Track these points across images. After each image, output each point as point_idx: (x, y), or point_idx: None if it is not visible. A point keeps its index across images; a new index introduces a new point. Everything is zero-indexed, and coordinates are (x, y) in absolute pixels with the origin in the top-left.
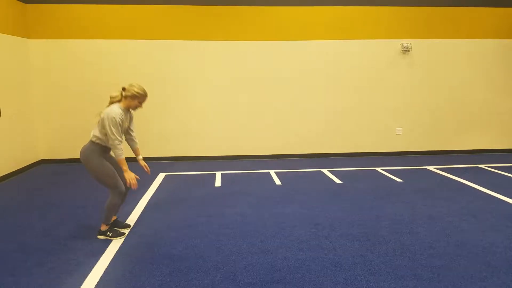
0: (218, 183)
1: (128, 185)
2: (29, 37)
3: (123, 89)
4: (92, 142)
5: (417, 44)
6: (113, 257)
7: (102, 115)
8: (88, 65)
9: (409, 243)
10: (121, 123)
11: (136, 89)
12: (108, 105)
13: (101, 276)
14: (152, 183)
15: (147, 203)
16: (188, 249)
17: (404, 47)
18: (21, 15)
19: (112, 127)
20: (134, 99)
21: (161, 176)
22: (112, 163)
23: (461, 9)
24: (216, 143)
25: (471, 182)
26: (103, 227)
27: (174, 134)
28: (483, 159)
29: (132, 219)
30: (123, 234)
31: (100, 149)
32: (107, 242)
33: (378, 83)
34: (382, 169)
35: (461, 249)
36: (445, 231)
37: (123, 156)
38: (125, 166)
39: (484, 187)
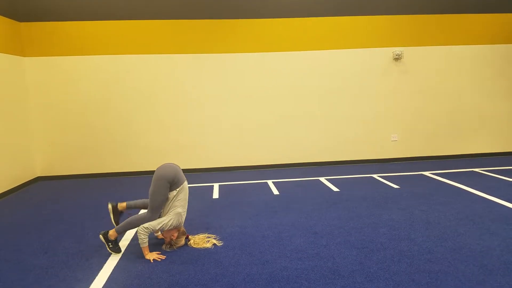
0: (216, 194)
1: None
2: (24, 55)
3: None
4: None
5: (409, 52)
6: (111, 273)
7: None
8: (83, 82)
9: (406, 249)
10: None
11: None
12: None
13: None
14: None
15: None
16: (187, 263)
17: (396, 55)
18: (15, 33)
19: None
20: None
21: None
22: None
23: (451, 16)
24: (212, 154)
25: (467, 186)
26: (112, 235)
27: (169, 147)
28: (478, 163)
29: (129, 234)
30: (120, 251)
31: None
32: (105, 258)
33: (372, 91)
34: (378, 176)
35: (458, 253)
36: (442, 235)
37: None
38: (145, 251)
39: (480, 191)
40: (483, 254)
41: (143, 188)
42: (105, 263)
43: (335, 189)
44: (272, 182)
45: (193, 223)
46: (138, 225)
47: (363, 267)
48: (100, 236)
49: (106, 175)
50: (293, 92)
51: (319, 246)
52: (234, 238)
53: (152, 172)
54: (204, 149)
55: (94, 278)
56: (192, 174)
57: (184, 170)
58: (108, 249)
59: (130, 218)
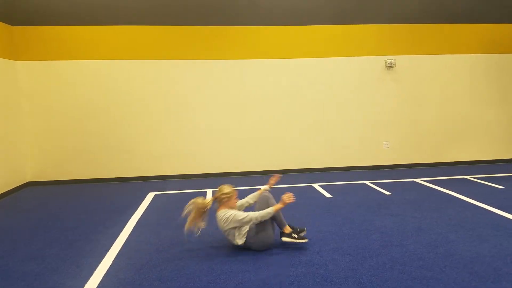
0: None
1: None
2: (16, 59)
3: (216, 198)
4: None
5: (401, 60)
6: (101, 280)
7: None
8: (77, 86)
9: (398, 256)
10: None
11: (225, 190)
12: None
13: None
14: (141, 203)
15: (136, 223)
16: (178, 270)
17: (388, 63)
18: (8, 37)
19: (239, 218)
20: (230, 199)
21: (150, 196)
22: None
23: (442, 26)
24: (206, 161)
25: (458, 193)
26: (287, 229)
27: (163, 152)
28: (469, 171)
29: (120, 241)
30: (306, 239)
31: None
32: (96, 265)
33: (364, 98)
34: (371, 183)
35: (449, 260)
36: (434, 242)
37: (270, 213)
38: (277, 207)
39: (471, 198)
40: (474, 261)
41: (136, 193)
42: (95, 269)
43: (328, 195)
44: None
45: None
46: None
47: (355, 273)
48: (283, 239)
49: (99, 181)
50: (286, 99)
51: (312, 252)
52: (227, 245)
53: (142, 178)
54: (197, 156)
55: (84, 285)
56: (185, 180)
57: (177, 176)
58: (299, 241)
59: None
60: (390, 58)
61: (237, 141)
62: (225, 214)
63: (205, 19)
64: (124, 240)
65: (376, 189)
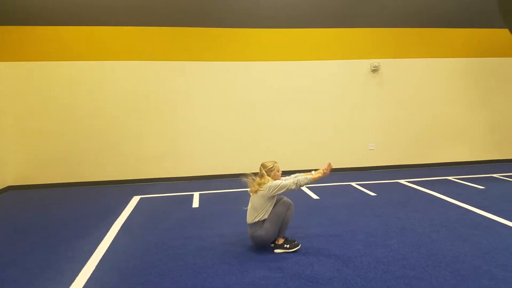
0: (196, 203)
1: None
2: None
3: (260, 175)
4: (256, 223)
5: (386, 64)
6: (84, 285)
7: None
8: (59, 88)
9: (382, 256)
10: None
11: (268, 166)
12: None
13: None
14: (125, 206)
15: (120, 227)
16: (164, 274)
17: (374, 67)
18: None
19: (278, 188)
20: (274, 173)
21: (135, 199)
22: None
23: (426, 30)
24: (192, 163)
25: (441, 194)
26: (280, 241)
27: (149, 155)
28: (451, 172)
29: (103, 245)
30: (299, 245)
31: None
32: (78, 269)
33: (350, 101)
34: (356, 184)
35: (432, 259)
36: (417, 242)
37: (308, 180)
38: (316, 177)
39: (453, 199)
40: (455, 260)
41: (120, 197)
42: (78, 274)
43: (315, 196)
44: None
45: (171, 234)
46: (288, 217)
47: (340, 274)
48: (276, 251)
49: (82, 184)
50: (274, 102)
51: (299, 254)
52: (213, 248)
53: (128, 181)
54: (184, 158)
55: None
56: (171, 183)
57: (163, 179)
58: (290, 251)
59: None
60: (375, 61)
61: (224, 143)
62: (271, 183)
63: (195, 21)
64: (108, 245)
65: (361, 190)
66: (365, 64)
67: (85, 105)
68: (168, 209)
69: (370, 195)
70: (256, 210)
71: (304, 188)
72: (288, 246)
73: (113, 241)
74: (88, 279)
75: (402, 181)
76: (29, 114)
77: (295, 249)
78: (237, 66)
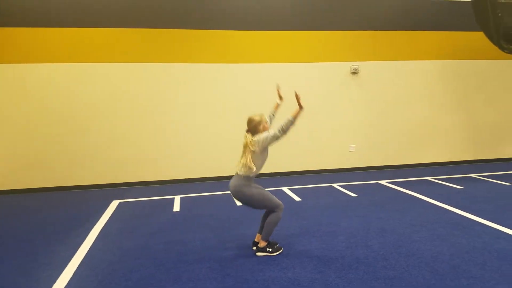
0: (177, 207)
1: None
2: None
3: (248, 131)
4: (239, 176)
5: (365, 66)
6: None
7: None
8: (35, 91)
9: (363, 256)
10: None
11: (256, 119)
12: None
13: None
14: (104, 211)
15: (99, 232)
16: (144, 279)
17: (353, 69)
18: None
19: (265, 140)
20: (263, 126)
21: (114, 204)
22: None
23: (403, 33)
24: (172, 166)
25: (420, 194)
26: (262, 244)
27: (128, 159)
28: (430, 172)
29: (82, 252)
30: (281, 248)
31: (248, 180)
32: (56, 276)
33: (331, 103)
34: (338, 185)
35: (411, 259)
36: (397, 242)
37: (290, 120)
38: (296, 113)
39: (432, 199)
40: (434, 259)
41: (99, 202)
42: (55, 281)
43: (297, 198)
44: None
45: (151, 238)
46: (278, 221)
47: (322, 275)
48: (258, 254)
49: (60, 189)
50: (253, 104)
51: (281, 256)
52: (195, 252)
53: (106, 185)
54: (164, 161)
55: None
56: (151, 187)
57: (141, 183)
58: (272, 254)
59: (267, 222)
60: (355, 64)
61: (204, 146)
62: (258, 137)
63: (171, 22)
64: (86, 251)
65: (343, 192)
66: (345, 66)
67: (60, 108)
68: (149, 213)
69: (351, 196)
70: (248, 165)
71: (286, 190)
72: (270, 250)
73: (91, 246)
74: (66, 286)
75: (383, 182)
76: (1, 118)
77: (277, 252)
78: (217, 68)
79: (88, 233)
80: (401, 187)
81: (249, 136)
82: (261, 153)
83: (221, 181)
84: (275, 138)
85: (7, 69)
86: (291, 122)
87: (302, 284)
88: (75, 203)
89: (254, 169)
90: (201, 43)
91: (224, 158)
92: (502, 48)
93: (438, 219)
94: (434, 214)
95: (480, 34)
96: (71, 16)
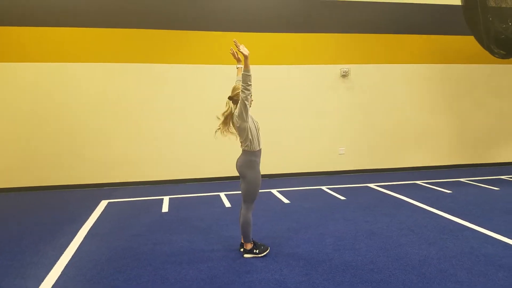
0: (165, 208)
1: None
2: None
3: (230, 98)
4: (244, 152)
5: (355, 69)
6: None
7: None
8: (23, 90)
9: (351, 259)
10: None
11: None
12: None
13: None
14: (93, 211)
15: (87, 233)
16: (131, 280)
17: (343, 72)
18: None
19: (240, 109)
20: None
21: (103, 204)
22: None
23: (395, 36)
24: (163, 167)
25: (409, 198)
26: (248, 246)
27: (118, 159)
28: (419, 176)
29: (69, 251)
30: (267, 248)
31: (254, 155)
32: (43, 276)
33: (320, 106)
34: (327, 188)
35: (399, 263)
36: (384, 246)
37: (242, 72)
38: (244, 62)
39: (421, 202)
40: (421, 263)
41: (87, 202)
42: (42, 281)
43: (286, 201)
44: (225, 194)
45: (139, 239)
46: (250, 220)
47: (309, 278)
48: (245, 256)
49: (48, 188)
50: None
51: (268, 258)
52: (182, 253)
53: (95, 185)
54: (153, 161)
55: None
56: (141, 187)
57: (130, 183)
58: (259, 256)
59: (241, 224)
60: (345, 67)
61: (194, 147)
62: (236, 112)
63: (158, 23)
64: (74, 251)
65: (331, 194)
66: (335, 69)
67: (49, 107)
68: (137, 213)
69: (340, 199)
70: (241, 139)
71: (275, 192)
72: (257, 251)
73: (79, 246)
74: (53, 285)
75: (372, 185)
76: None
77: (265, 253)
78: (205, 69)
79: (76, 233)
80: (390, 191)
81: (229, 103)
82: (248, 123)
83: (211, 182)
84: (245, 99)
85: (7, 68)
86: (246, 75)
87: (289, 286)
88: (63, 203)
89: (250, 143)
90: (187, 44)
91: (214, 159)
92: (492, 52)
93: (426, 223)
94: (422, 218)
95: (471, 38)
96: (51, 16)
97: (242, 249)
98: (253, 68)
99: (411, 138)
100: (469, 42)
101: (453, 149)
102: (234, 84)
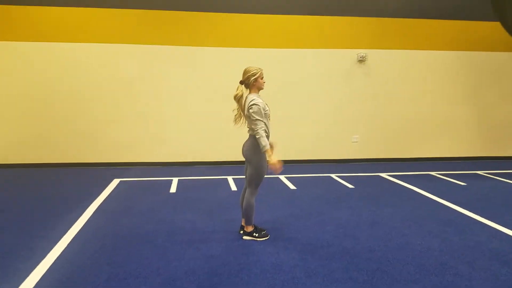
0: (173, 189)
1: (273, 172)
2: None
3: (241, 82)
4: (251, 137)
5: (372, 54)
6: (52, 263)
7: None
8: (39, 69)
9: (349, 247)
10: (264, 108)
11: (252, 70)
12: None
13: (37, 282)
14: (104, 189)
15: (96, 209)
16: (131, 255)
17: (360, 57)
18: None
19: (255, 115)
20: (257, 80)
21: (115, 182)
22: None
23: (416, 21)
24: (174, 149)
25: (419, 188)
26: (249, 229)
27: (132, 139)
28: (435, 167)
29: (77, 227)
30: (267, 235)
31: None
32: (49, 248)
33: (335, 91)
34: (336, 176)
35: (399, 253)
36: (386, 236)
37: (268, 147)
38: (270, 155)
39: (431, 193)
40: (422, 255)
41: (100, 179)
42: (48, 253)
43: (292, 187)
44: (232, 178)
45: (145, 217)
46: (253, 204)
47: (305, 262)
48: (244, 238)
49: (63, 165)
50: None
51: (266, 242)
52: (183, 233)
53: (108, 164)
54: (165, 143)
55: (34, 268)
56: (152, 167)
57: (142, 163)
58: (258, 240)
59: (244, 207)
60: (362, 51)
61: (204, 131)
62: (252, 101)
63: (167, 4)
64: (81, 226)
65: (340, 182)
66: (352, 54)
67: (65, 87)
68: (146, 192)
69: (348, 187)
70: (249, 124)
71: (283, 179)
72: (256, 235)
73: (87, 222)
74: (57, 258)
75: (383, 175)
76: (6, 95)
77: (263, 239)
78: (216, 52)
79: (86, 209)
80: (401, 181)
81: (240, 88)
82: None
83: (221, 166)
84: (255, 127)
85: (18, 47)
86: (263, 147)
87: (283, 269)
88: (77, 180)
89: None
90: (198, 25)
91: (226, 143)
92: None
93: (434, 215)
94: (430, 209)
95: (496, 24)
96: None
97: (242, 231)
98: (267, 51)
99: (429, 128)
100: (494, 28)
101: (473, 141)
102: (245, 68)
